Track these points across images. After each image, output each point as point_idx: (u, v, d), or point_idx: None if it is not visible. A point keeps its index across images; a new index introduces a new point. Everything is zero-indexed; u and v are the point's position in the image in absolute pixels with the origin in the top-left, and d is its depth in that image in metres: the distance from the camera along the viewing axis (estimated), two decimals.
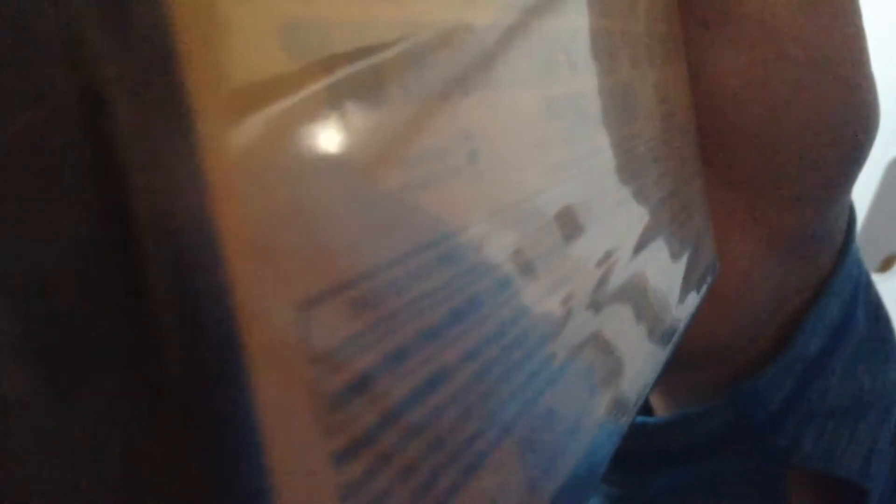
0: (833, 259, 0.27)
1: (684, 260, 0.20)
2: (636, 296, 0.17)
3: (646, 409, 0.30)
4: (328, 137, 0.08)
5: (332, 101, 0.08)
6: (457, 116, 0.11)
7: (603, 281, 0.15)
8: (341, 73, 0.09)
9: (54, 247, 0.06)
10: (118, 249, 0.06)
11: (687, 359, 0.26)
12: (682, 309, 0.19)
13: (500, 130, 0.12)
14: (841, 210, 0.26)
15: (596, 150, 0.15)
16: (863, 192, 0.77)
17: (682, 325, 0.19)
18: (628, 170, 0.17)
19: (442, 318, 0.10)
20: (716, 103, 0.23)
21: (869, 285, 0.29)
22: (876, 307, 0.29)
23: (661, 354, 0.18)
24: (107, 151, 0.06)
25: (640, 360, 0.17)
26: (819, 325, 0.26)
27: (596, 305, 0.15)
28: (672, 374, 0.28)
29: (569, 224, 0.14)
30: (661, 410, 0.30)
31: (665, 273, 0.18)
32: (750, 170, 0.24)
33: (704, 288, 0.21)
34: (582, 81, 0.15)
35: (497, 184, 0.12)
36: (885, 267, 0.80)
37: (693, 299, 0.20)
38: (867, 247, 0.79)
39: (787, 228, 0.25)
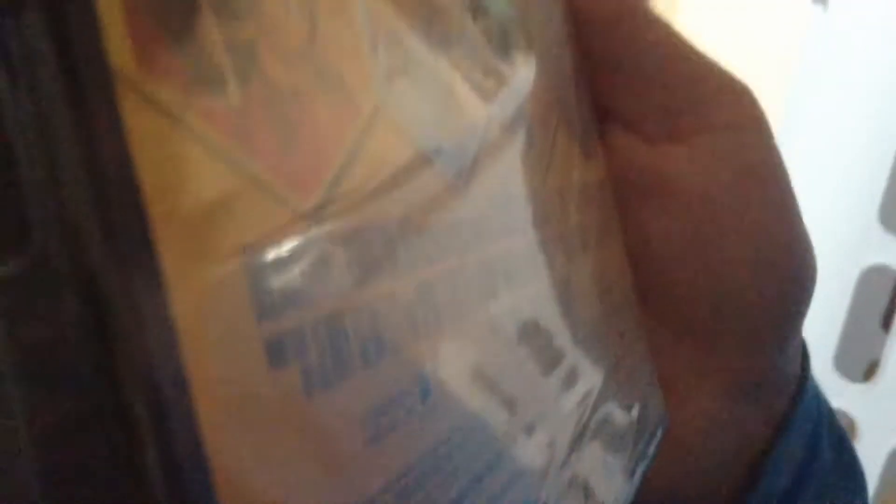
0: (791, 398, 0.28)
1: (634, 421, 0.22)
2: (594, 459, 0.19)
3: None
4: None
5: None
6: (411, 363, 0.13)
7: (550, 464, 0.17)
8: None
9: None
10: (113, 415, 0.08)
11: (661, 501, 0.27)
12: (635, 463, 0.21)
13: (450, 361, 0.14)
14: (793, 351, 0.27)
15: (543, 347, 0.17)
16: (839, 301, 0.79)
17: (637, 477, 0.21)
18: (573, 353, 0.19)
19: None
20: (659, 266, 0.25)
21: (831, 417, 0.30)
22: (839, 438, 0.30)
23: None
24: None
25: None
26: (782, 465, 0.27)
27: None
28: None
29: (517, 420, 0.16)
30: None
31: (617, 436, 0.20)
32: (698, 324, 0.25)
33: (656, 441, 0.23)
34: (521, 293, 0.17)
35: (447, 408, 0.14)
36: (868, 375, 0.81)
37: (644, 456, 0.22)
38: (849, 356, 0.80)
39: (740, 376, 0.26)
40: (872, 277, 0.78)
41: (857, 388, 0.79)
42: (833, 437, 0.30)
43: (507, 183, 0.17)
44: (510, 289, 0.16)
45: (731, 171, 0.24)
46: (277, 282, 0.10)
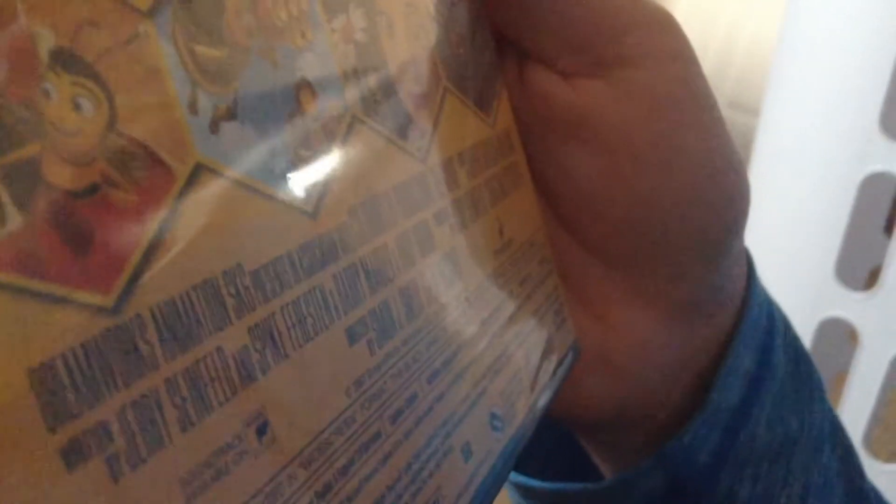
0: (735, 312, 0.28)
1: (534, 361, 0.22)
2: (492, 401, 0.19)
3: (596, 474, 0.32)
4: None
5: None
6: (244, 407, 0.13)
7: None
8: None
9: None
10: None
11: (607, 425, 0.28)
12: (538, 399, 0.22)
13: (295, 389, 0.14)
14: (732, 268, 0.28)
15: (431, 324, 0.18)
16: (841, 210, 0.78)
17: (538, 414, 0.22)
18: (465, 321, 0.19)
19: None
20: (583, 200, 0.25)
21: (787, 328, 0.31)
22: (794, 348, 0.30)
23: (515, 443, 0.21)
24: None
25: (493, 457, 0.19)
26: (732, 378, 0.28)
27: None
28: (601, 436, 0.30)
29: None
30: (605, 471, 0.31)
31: (515, 376, 0.21)
32: (625, 254, 0.25)
33: (565, 369, 0.24)
34: (390, 287, 0.17)
35: (299, 429, 0.14)
36: (870, 283, 0.81)
37: (549, 387, 0.23)
38: (851, 264, 0.80)
39: (673, 299, 0.26)
40: (874, 184, 0.77)
41: (859, 297, 0.79)
42: (789, 349, 0.30)
43: (371, 185, 0.17)
44: (377, 288, 0.17)
45: (649, 102, 0.24)
46: (73, 387, 0.10)
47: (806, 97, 0.77)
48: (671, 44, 0.24)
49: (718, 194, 0.25)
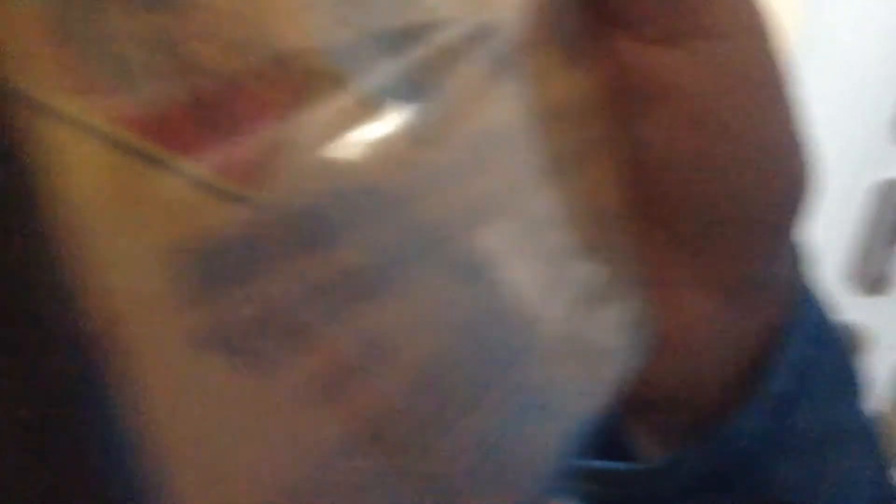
0: (790, 302, 0.29)
1: (610, 332, 0.22)
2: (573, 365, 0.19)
3: (632, 455, 0.32)
4: None
5: None
6: (364, 323, 0.13)
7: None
8: None
9: None
10: None
11: (658, 405, 0.28)
12: (611, 369, 0.22)
13: (406, 317, 0.14)
14: (790, 256, 0.28)
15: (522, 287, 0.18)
16: (851, 216, 0.79)
17: (610, 384, 0.22)
18: (551, 273, 0.19)
19: None
20: (657, 174, 0.25)
21: (831, 324, 0.31)
22: (839, 346, 0.30)
23: (594, 405, 0.21)
24: None
25: (573, 415, 0.19)
26: (783, 366, 0.28)
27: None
28: (648, 417, 0.30)
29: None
30: (651, 453, 0.31)
31: (593, 344, 0.21)
32: (693, 231, 0.26)
33: (636, 346, 0.24)
34: (493, 231, 0.17)
35: (405, 359, 0.14)
36: (880, 288, 0.82)
37: (621, 360, 0.23)
38: (861, 270, 0.80)
39: (734, 281, 0.26)
40: (884, 191, 0.78)
41: (869, 301, 0.79)
42: (836, 344, 0.30)
43: (481, 124, 0.17)
44: (479, 228, 0.17)
45: (729, 75, 0.24)
46: (214, 270, 0.10)
47: (818, 103, 0.77)
48: (753, 18, 0.24)
49: (788, 175, 0.25)
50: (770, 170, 0.25)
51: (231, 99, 0.11)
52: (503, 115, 0.18)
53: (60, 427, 0.08)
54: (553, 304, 0.19)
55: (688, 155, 0.24)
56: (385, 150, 0.14)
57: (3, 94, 0.08)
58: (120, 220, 0.09)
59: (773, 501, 0.29)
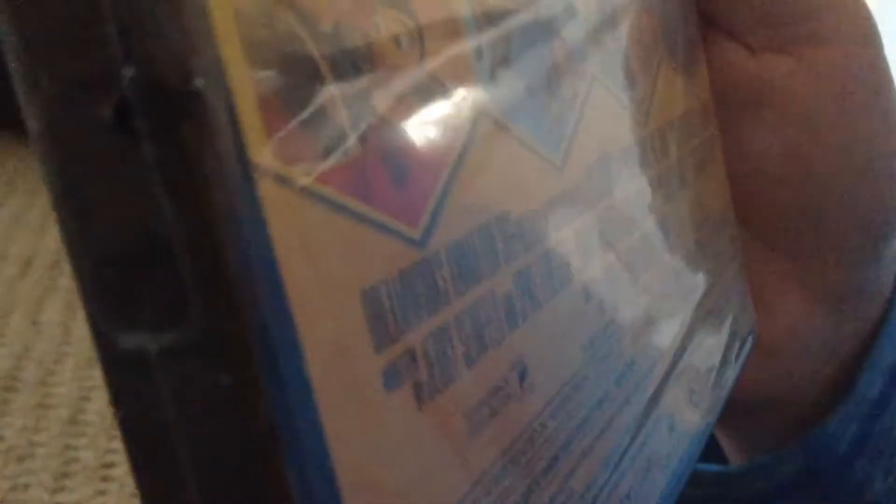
0: (884, 305, 0.29)
1: (724, 337, 0.22)
2: (690, 377, 0.19)
3: (721, 457, 0.32)
4: None
5: None
6: (510, 351, 0.13)
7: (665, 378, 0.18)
8: None
9: None
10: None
11: (752, 408, 0.28)
12: (724, 378, 0.22)
13: (545, 340, 0.15)
14: (885, 262, 0.28)
15: (646, 291, 0.18)
16: None
17: (724, 393, 0.22)
18: (667, 288, 0.19)
19: None
20: (758, 180, 0.25)
21: None
22: None
23: (709, 418, 0.21)
24: None
25: (691, 429, 0.19)
26: (876, 369, 0.28)
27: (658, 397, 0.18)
28: (741, 420, 0.30)
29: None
30: (735, 456, 0.31)
31: (709, 352, 0.21)
32: (792, 237, 0.26)
33: (745, 351, 0.24)
34: (618, 248, 0.17)
35: (545, 384, 0.15)
36: None
37: (733, 368, 0.23)
38: None
39: (832, 286, 0.26)
40: None
41: None
42: None
43: (605, 145, 0.17)
44: (606, 248, 0.17)
45: (837, 83, 0.24)
46: (391, 312, 0.11)
47: None
48: (862, 26, 0.24)
49: (890, 182, 0.25)
50: (877, 176, 0.25)
51: (406, 144, 0.11)
52: (624, 130, 0.18)
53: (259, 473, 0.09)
54: (671, 320, 0.20)
55: (794, 161, 0.25)
56: (524, 176, 0.14)
57: (247, 173, 0.09)
58: (318, 268, 0.10)
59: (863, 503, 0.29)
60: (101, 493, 0.56)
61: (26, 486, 0.56)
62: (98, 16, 0.08)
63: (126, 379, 0.09)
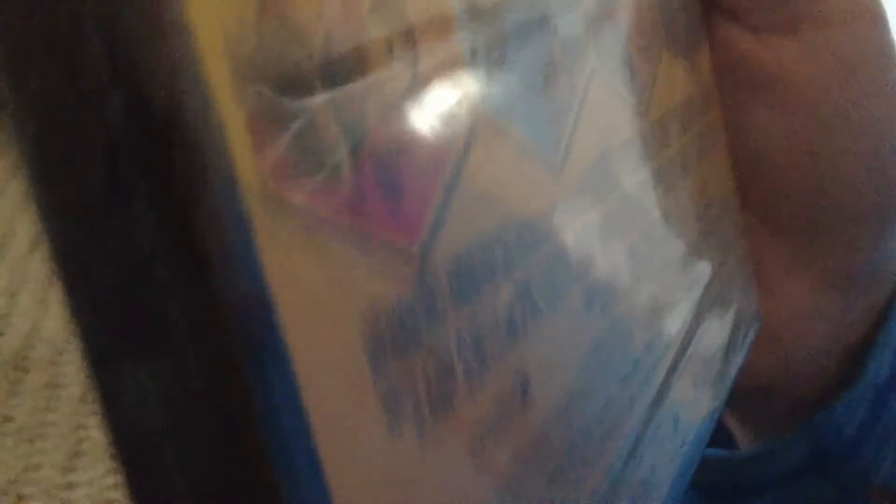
0: (892, 288, 0.28)
1: (728, 325, 0.22)
2: (696, 366, 0.19)
3: (730, 441, 0.32)
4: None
5: None
6: (511, 363, 0.13)
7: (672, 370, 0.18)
8: None
9: None
10: None
11: (759, 393, 0.28)
12: (730, 365, 0.22)
13: (547, 349, 0.14)
14: (892, 245, 0.27)
15: (647, 288, 0.18)
16: None
17: (730, 380, 0.22)
18: (674, 283, 0.19)
19: None
20: (760, 164, 0.25)
21: None
22: None
23: (715, 406, 0.21)
24: None
25: (697, 420, 0.19)
26: (886, 352, 0.28)
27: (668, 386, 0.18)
28: (748, 406, 0.30)
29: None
30: (744, 440, 0.31)
31: (715, 340, 0.21)
32: (797, 220, 0.25)
33: (750, 339, 0.24)
34: (619, 248, 0.17)
35: (547, 394, 0.14)
36: None
37: (739, 355, 0.23)
38: None
39: (839, 270, 0.26)
40: None
41: None
42: None
43: (605, 141, 0.17)
44: (608, 246, 0.17)
45: (841, 64, 0.23)
46: (390, 335, 0.11)
47: None
48: (868, 6, 0.24)
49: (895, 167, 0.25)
50: (882, 159, 0.24)
51: (401, 160, 0.11)
52: (624, 124, 0.18)
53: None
54: (675, 312, 0.19)
55: (799, 144, 0.24)
56: (522, 181, 0.14)
57: (238, 197, 0.08)
58: (312, 289, 0.09)
59: (871, 487, 0.28)
60: (114, 472, 0.56)
61: (38, 467, 0.56)
62: (81, 38, 0.08)
63: (117, 408, 0.09)
